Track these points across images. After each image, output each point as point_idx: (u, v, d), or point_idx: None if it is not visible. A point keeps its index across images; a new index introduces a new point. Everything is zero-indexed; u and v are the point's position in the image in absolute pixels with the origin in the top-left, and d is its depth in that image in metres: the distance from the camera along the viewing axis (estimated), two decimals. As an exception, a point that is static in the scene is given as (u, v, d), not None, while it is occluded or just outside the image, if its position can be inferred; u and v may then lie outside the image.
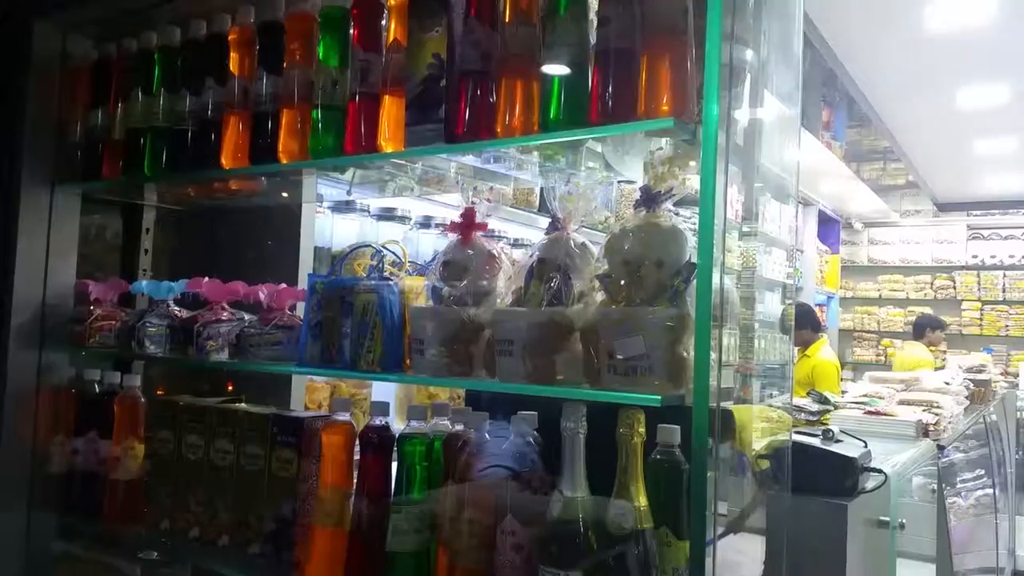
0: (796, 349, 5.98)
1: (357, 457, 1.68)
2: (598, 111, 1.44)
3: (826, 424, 2.79)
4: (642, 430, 1.40)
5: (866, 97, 5.19)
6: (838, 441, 1.95)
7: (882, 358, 9.23)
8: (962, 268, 9.05)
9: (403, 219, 3.13)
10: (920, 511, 2.77)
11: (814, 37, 4.27)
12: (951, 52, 4.25)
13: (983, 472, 5.01)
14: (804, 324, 5.85)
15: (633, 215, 1.48)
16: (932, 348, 7.17)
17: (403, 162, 1.95)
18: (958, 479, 4.21)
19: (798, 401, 2.94)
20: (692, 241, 1.42)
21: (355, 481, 1.63)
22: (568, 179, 1.62)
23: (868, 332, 9.43)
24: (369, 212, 3.03)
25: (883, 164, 7.75)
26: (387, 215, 3.09)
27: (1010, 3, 3.57)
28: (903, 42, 4.16)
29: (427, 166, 2.02)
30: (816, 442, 1.87)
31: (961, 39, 4.03)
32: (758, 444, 1.72)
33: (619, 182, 3.06)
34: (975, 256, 9.04)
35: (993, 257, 8.97)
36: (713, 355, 1.33)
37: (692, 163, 1.60)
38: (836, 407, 2.91)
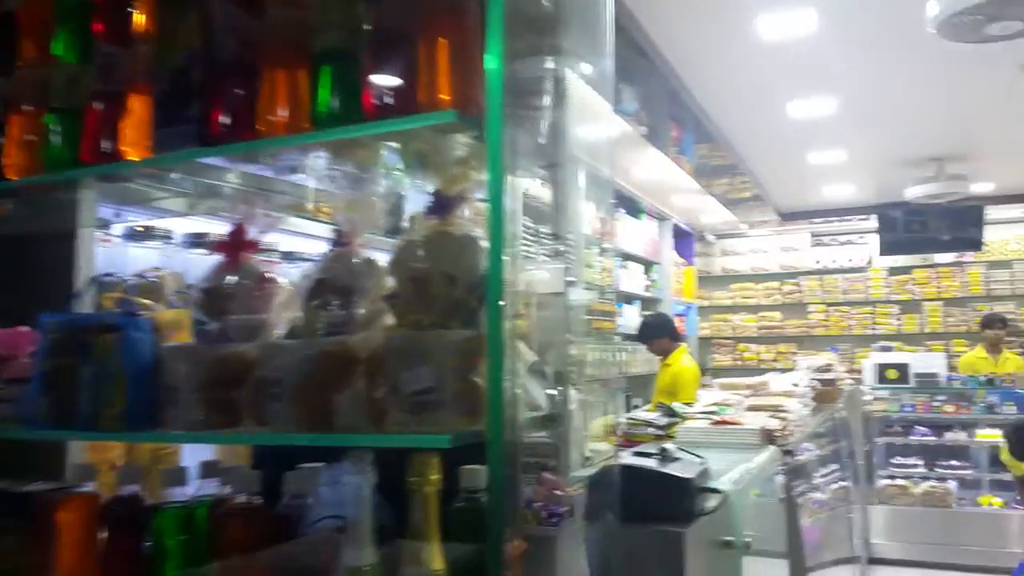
0: (657, 359, 5.98)
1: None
2: (373, 104, 1.23)
3: (674, 437, 2.70)
4: (435, 476, 1.18)
5: (705, 110, 5.28)
6: (676, 460, 1.82)
7: (739, 362, 9.52)
8: (807, 273, 9.49)
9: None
10: (771, 518, 2.71)
11: (651, 51, 4.28)
12: (782, 64, 4.36)
13: (837, 467, 5.16)
14: (663, 333, 5.84)
15: (423, 224, 1.29)
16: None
17: (179, 174, 1.68)
18: (813, 477, 4.28)
19: (646, 415, 2.84)
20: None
21: (100, 566, 1.33)
22: (354, 184, 1.40)
23: (725, 339, 9.72)
24: (171, 238, 2.68)
25: (731, 178, 8.01)
26: (198, 241, 2.74)
27: (828, 15, 3.67)
28: (738, 53, 4.23)
29: (210, 178, 1.75)
30: (649, 464, 1.72)
31: (790, 51, 4.14)
32: (582, 472, 1.56)
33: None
34: (818, 262, 9.51)
35: (834, 262, 9.47)
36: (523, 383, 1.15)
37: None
38: (684, 419, 2.82)
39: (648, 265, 7.72)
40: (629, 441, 2.82)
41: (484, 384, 1.15)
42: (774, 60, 4.26)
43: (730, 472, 2.15)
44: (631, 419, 2.81)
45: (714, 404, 3.15)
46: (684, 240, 8.82)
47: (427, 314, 1.21)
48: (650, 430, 2.75)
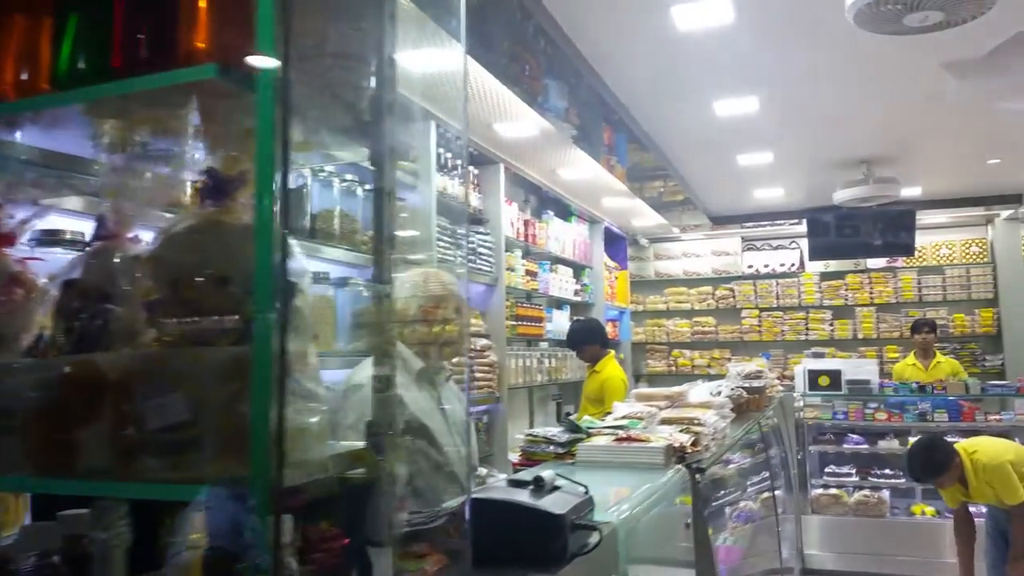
0: (586, 366, 5.80)
1: None
2: (124, 58, 0.97)
3: (575, 456, 2.48)
4: (196, 536, 0.92)
5: (627, 108, 5.11)
6: (552, 490, 1.59)
7: (674, 368, 9.42)
8: (740, 278, 9.44)
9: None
10: (681, 543, 2.50)
11: (564, 44, 4.08)
12: (701, 58, 4.20)
13: (767, 475, 5.02)
14: (592, 339, 5.64)
15: (196, 211, 1.02)
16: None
17: None
18: (737, 489, 4.11)
19: (548, 431, 2.61)
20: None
21: None
22: (128, 160, 1.13)
23: (659, 344, 9.60)
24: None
25: (663, 182, 7.90)
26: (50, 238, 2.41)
27: (742, 5, 3.50)
28: (654, 45, 4.05)
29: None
30: (514, 497, 1.48)
31: (707, 44, 3.98)
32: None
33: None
34: (751, 266, 9.47)
35: (766, 266, 9.44)
36: (306, 417, 0.89)
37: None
38: (588, 435, 2.60)
39: (579, 269, 7.54)
40: (528, 460, 2.60)
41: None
42: (692, 54, 4.09)
43: (626, 498, 1.93)
44: (530, 436, 2.58)
45: (625, 417, 2.94)
46: (617, 243, 8.68)
47: (193, 324, 0.95)
48: (550, 448, 2.53)
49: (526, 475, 2.15)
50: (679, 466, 2.43)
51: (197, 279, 0.95)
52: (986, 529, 4.63)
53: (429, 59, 3.84)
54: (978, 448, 4.30)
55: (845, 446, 6.77)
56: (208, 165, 1.01)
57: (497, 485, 1.66)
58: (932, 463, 4.29)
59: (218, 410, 0.89)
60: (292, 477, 0.89)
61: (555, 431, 2.60)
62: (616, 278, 8.46)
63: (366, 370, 2.48)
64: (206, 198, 1.00)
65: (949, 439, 4.86)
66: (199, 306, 0.95)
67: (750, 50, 4.00)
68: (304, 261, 1.01)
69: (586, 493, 1.62)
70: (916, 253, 8.49)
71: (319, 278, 3.51)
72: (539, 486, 1.57)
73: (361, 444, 1.08)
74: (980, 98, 4.73)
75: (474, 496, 1.52)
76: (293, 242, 1.00)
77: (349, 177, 3.78)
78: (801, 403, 6.91)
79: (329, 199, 3.65)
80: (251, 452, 0.85)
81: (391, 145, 1.11)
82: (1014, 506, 4.17)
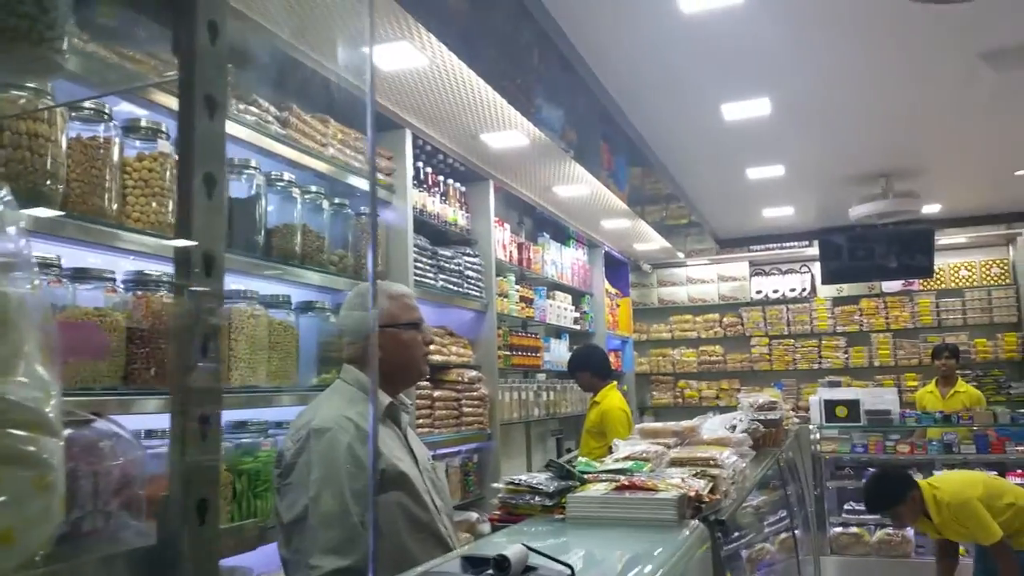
0: (588, 397, 5.32)
1: None
2: None
3: (564, 508, 1.98)
4: None
5: (627, 115, 4.67)
6: (526, 572, 1.10)
7: (680, 400, 8.90)
8: (748, 304, 8.96)
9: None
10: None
11: (561, 42, 3.66)
12: (710, 49, 3.77)
13: (785, 515, 4.53)
14: (585, 366, 5.15)
15: None
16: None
17: None
18: (759, 534, 3.61)
19: (533, 478, 2.11)
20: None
21: None
22: None
23: (665, 375, 9.09)
24: None
25: (667, 204, 7.48)
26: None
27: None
28: (657, 34, 3.63)
29: None
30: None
31: (717, 32, 3.55)
32: None
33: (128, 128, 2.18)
34: (759, 292, 9.00)
35: (776, 292, 8.97)
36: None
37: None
38: (583, 481, 2.10)
39: (579, 295, 7.07)
40: (510, 514, 2.10)
41: None
42: (698, 42, 3.67)
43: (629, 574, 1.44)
44: (511, 484, 2.07)
45: (628, 458, 2.45)
46: (619, 270, 8.23)
47: None
48: (535, 500, 2.03)
49: (500, 538, 1.67)
50: (695, 521, 1.93)
51: None
52: (974, 564, 4.20)
53: (399, 56, 3.37)
54: (942, 485, 3.88)
55: (865, 481, 6.27)
56: None
57: (445, 569, 1.17)
58: (884, 494, 3.92)
59: None
60: None
61: (542, 478, 2.10)
62: (618, 306, 8.00)
63: (330, 408, 2.00)
64: None
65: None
66: None
67: (763, 38, 3.58)
68: (23, 242, 0.55)
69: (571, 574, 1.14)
70: (934, 275, 8.02)
71: (279, 302, 3.06)
72: (502, 570, 1.08)
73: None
74: (1013, 98, 4.29)
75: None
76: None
77: (314, 189, 3.34)
78: (817, 435, 6.43)
79: (289, 213, 3.20)
80: None
81: (212, 20, 0.65)
82: (992, 546, 3.72)
